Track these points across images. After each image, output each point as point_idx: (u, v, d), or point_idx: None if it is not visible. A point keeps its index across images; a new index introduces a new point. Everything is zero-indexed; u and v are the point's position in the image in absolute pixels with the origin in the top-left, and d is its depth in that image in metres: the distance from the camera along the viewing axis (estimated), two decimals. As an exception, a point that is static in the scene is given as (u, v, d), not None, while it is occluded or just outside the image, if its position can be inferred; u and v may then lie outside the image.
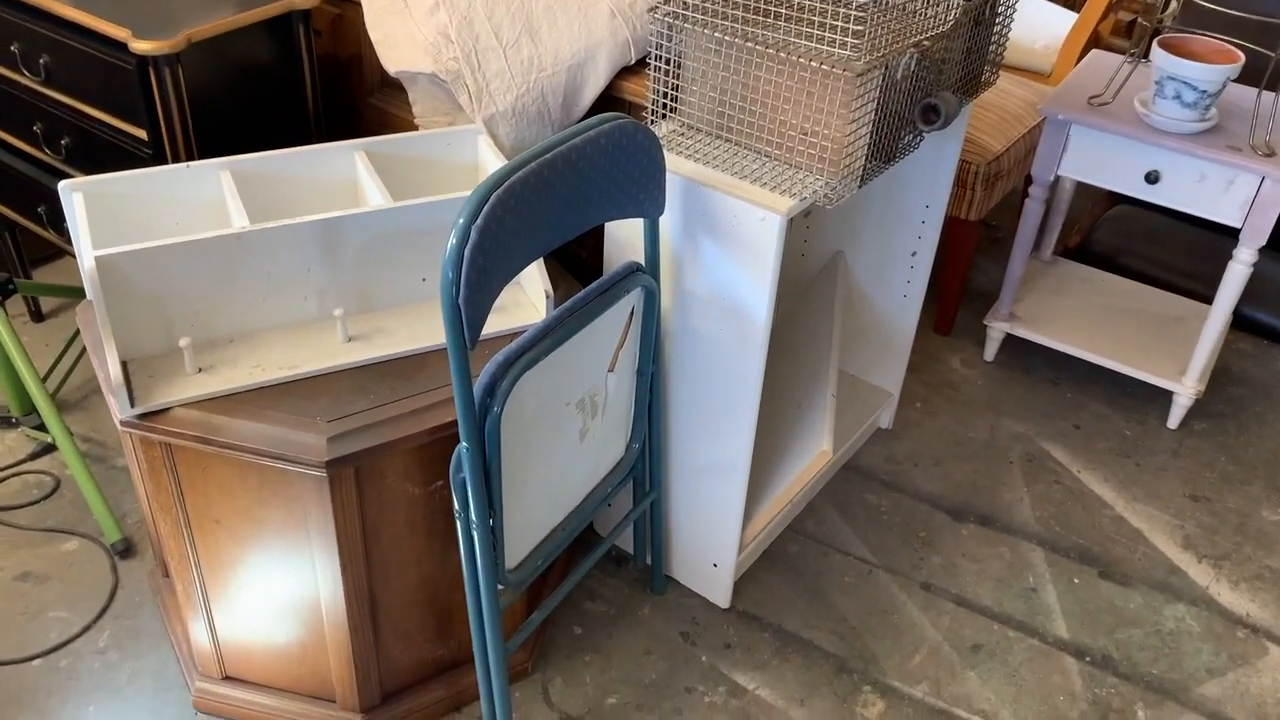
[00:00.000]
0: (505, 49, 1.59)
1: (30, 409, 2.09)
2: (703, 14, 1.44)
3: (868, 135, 1.43)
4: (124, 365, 1.36)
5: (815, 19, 1.34)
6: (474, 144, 1.64)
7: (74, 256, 2.04)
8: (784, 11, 1.37)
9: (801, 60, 1.37)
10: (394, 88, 2.03)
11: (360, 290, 1.48)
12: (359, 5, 1.92)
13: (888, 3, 1.31)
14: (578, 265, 1.88)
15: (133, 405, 1.31)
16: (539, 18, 1.60)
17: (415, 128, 1.91)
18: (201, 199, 1.51)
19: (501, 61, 1.59)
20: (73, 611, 1.77)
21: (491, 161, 1.60)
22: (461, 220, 1.16)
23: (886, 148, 1.50)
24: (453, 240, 1.16)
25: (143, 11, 1.69)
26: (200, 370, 1.37)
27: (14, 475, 2.02)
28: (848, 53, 1.32)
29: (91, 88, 1.77)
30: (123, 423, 1.31)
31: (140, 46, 1.60)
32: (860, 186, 1.46)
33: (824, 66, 1.35)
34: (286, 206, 1.56)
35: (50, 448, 2.07)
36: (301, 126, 1.92)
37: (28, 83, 1.86)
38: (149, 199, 1.49)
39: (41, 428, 2.07)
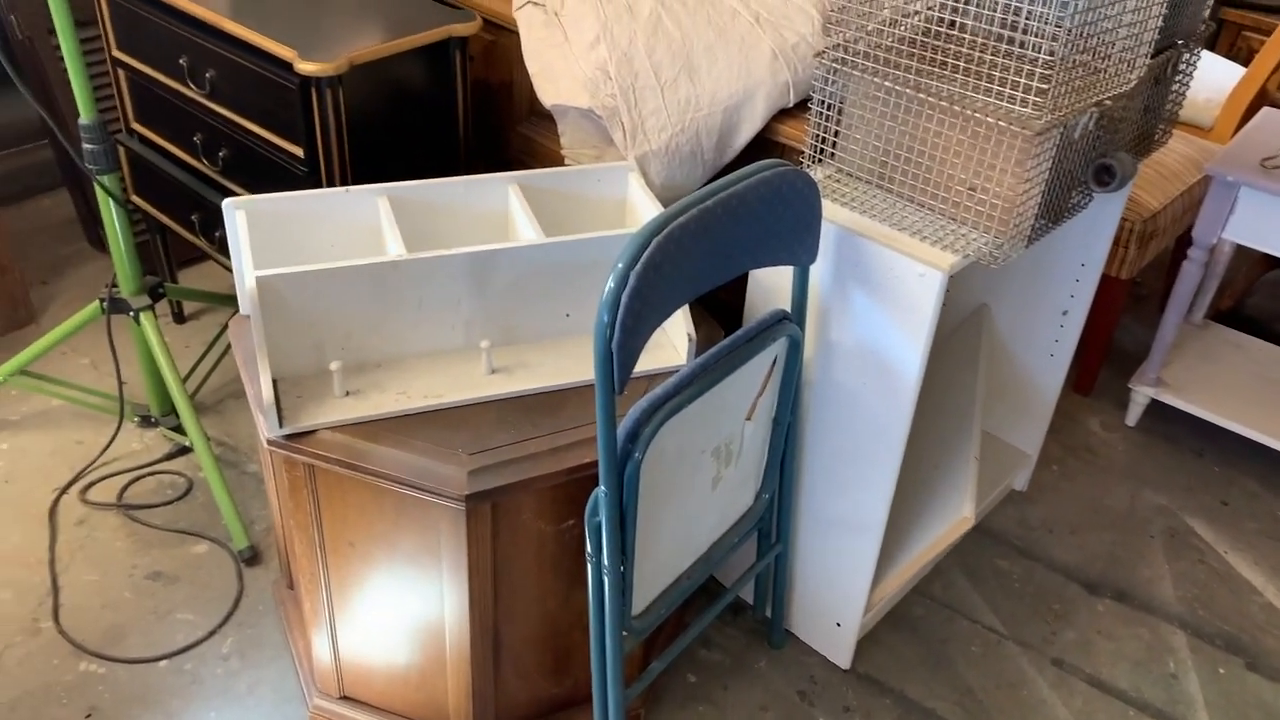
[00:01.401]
0: (663, 87, 1.57)
1: (170, 409, 2.15)
2: (873, 61, 1.40)
3: (1039, 194, 1.37)
4: (274, 384, 1.37)
5: (995, 74, 1.29)
6: (624, 181, 1.62)
7: (218, 262, 2.10)
8: (960, 64, 1.32)
9: (976, 115, 1.32)
10: (542, 116, 2.04)
11: (505, 322, 1.48)
12: (514, 34, 1.93)
13: (1073, 60, 1.25)
14: (716, 304, 1.85)
15: (281, 425, 1.32)
16: (699, 57, 1.58)
17: (561, 156, 1.91)
18: (357, 222, 1.53)
19: (658, 100, 1.58)
20: (199, 615, 1.80)
21: (641, 199, 1.59)
22: (621, 265, 1.14)
23: (1055, 207, 1.44)
24: (611, 284, 1.14)
25: (308, 33, 1.73)
26: (348, 393, 1.38)
27: (150, 474, 2.07)
28: (1027, 110, 1.27)
29: (254, 104, 1.81)
30: (269, 441, 1.33)
31: (305, 67, 1.63)
32: (1027, 247, 1.40)
33: (1000, 123, 1.30)
34: (439, 234, 1.56)
35: (185, 449, 2.12)
36: (451, 150, 1.94)
37: (193, 95, 1.91)
38: (307, 219, 1.51)
39: (179, 429, 2.13)
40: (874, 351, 1.49)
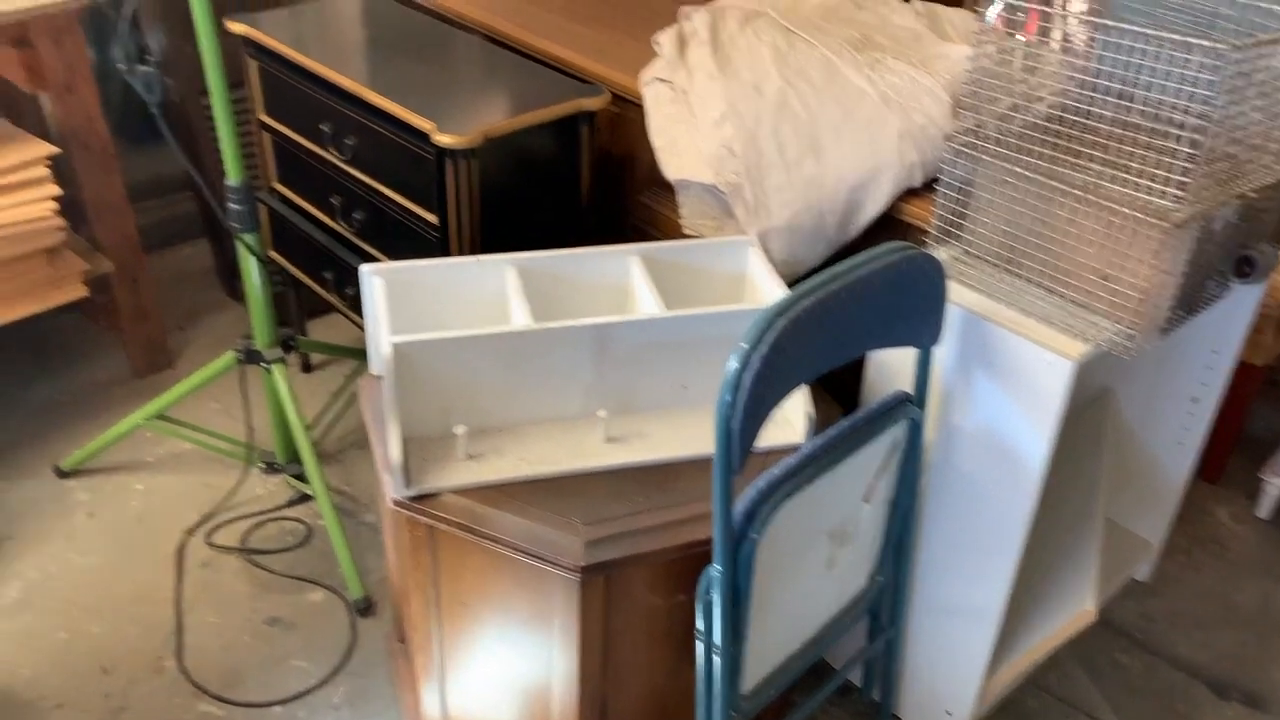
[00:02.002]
0: (788, 165, 1.59)
1: (293, 457, 2.23)
2: (1006, 147, 1.40)
3: (1176, 286, 1.33)
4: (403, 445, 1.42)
5: (1134, 164, 1.26)
6: (745, 255, 1.64)
7: (347, 317, 2.18)
8: (1097, 153, 1.31)
9: (1111, 204, 1.29)
10: (662, 186, 2.07)
11: (623, 392, 1.50)
12: (638, 107, 1.97)
13: (1218, 152, 1.22)
14: (831, 378, 1.84)
15: (407, 486, 1.36)
16: (825, 136, 1.59)
17: (679, 226, 1.93)
18: (486, 289, 1.57)
19: (783, 177, 1.59)
20: (312, 662, 1.85)
21: (762, 274, 1.60)
22: (745, 345, 1.15)
23: (1192, 298, 1.40)
24: (734, 364, 1.15)
25: (445, 105, 1.80)
26: (470, 457, 1.42)
27: (272, 520, 2.14)
28: (1167, 202, 1.24)
29: (391, 171, 1.89)
30: (395, 502, 1.37)
31: (442, 139, 1.69)
32: (1161, 338, 1.36)
33: (1137, 214, 1.27)
34: (563, 303, 1.60)
35: (306, 497, 2.19)
36: (574, 217, 1.99)
37: (333, 159, 2.00)
38: (439, 285, 1.56)
39: (301, 477, 2.20)
40: (997, 438, 1.46)
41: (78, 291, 2.26)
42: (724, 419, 1.16)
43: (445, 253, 1.84)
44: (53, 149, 2.12)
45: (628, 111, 2.01)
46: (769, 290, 1.58)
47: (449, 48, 2.09)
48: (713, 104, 1.65)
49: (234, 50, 2.05)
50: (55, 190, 2.12)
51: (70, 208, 2.23)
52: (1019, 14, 1.41)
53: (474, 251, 1.84)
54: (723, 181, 1.62)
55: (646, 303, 1.52)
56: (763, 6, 1.90)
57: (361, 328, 2.15)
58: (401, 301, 1.55)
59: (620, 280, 1.62)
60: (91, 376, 2.51)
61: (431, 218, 1.84)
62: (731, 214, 1.74)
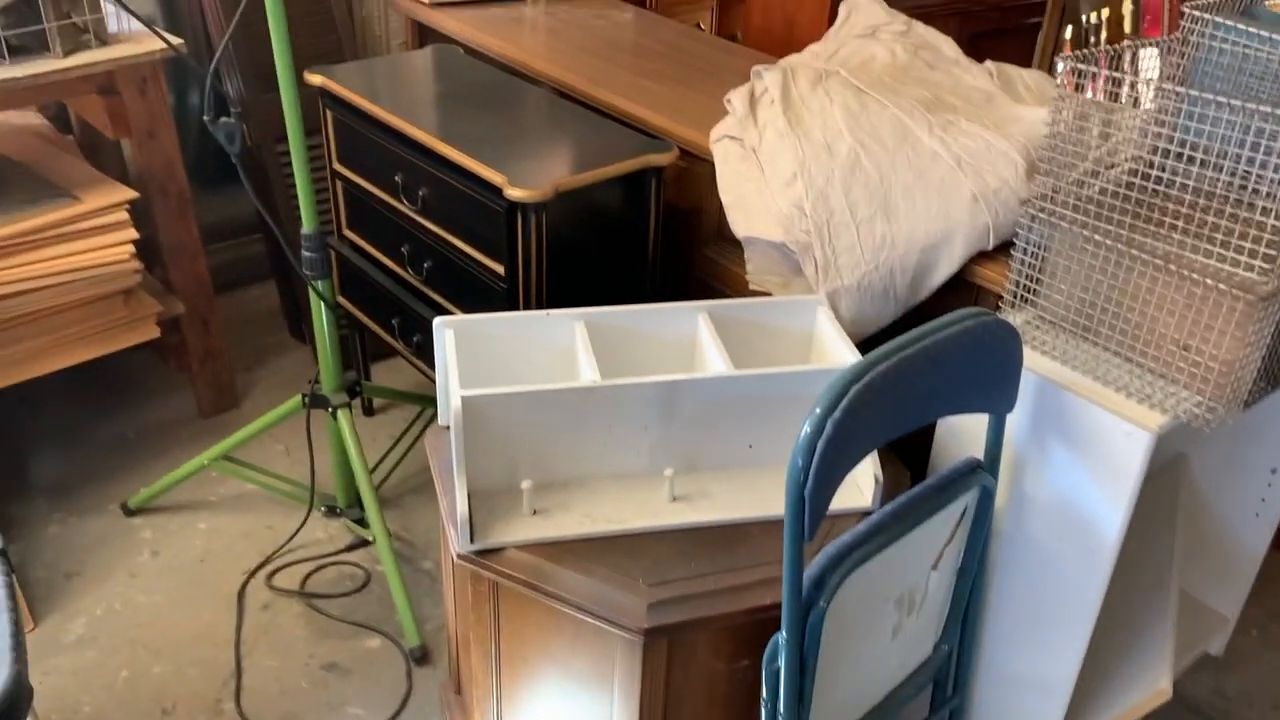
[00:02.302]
0: (858, 225, 1.58)
1: (354, 502, 2.24)
2: (1083, 213, 1.38)
3: (1259, 358, 1.30)
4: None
5: (1218, 236, 1.24)
6: (813, 314, 1.63)
7: (411, 364, 2.19)
8: (1179, 223, 1.29)
9: (1193, 275, 1.27)
10: (728, 240, 2.07)
11: (689, 450, 1.49)
12: (706, 162, 1.98)
13: (1306, 225, 1.20)
14: (899, 439, 1.82)
15: (472, 541, 1.36)
16: (896, 197, 1.58)
17: (745, 281, 1.93)
18: (555, 343, 1.58)
19: (853, 237, 1.59)
20: (368, 710, 1.85)
21: (830, 333, 1.59)
22: (819, 410, 1.14)
23: (1276, 371, 1.36)
24: (807, 429, 1.14)
25: (516, 159, 1.82)
26: (535, 512, 1.42)
27: (332, 564, 2.16)
28: (1252, 275, 1.22)
29: (461, 222, 1.91)
30: (459, 555, 1.37)
31: (514, 193, 1.71)
32: (1243, 412, 1.33)
33: (1220, 285, 1.25)
34: (630, 357, 1.60)
35: (366, 542, 2.20)
36: (640, 270, 1.99)
37: (404, 210, 2.04)
38: (508, 338, 1.57)
39: (361, 522, 2.22)
40: (1071, 507, 1.43)
41: (150, 333, 2.31)
42: (796, 485, 1.15)
43: (512, 303, 1.86)
44: (133, 194, 2.18)
45: (695, 166, 2.02)
46: (837, 350, 1.57)
47: (519, 100, 2.12)
48: (783, 162, 1.66)
49: (310, 100, 2.09)
50: (134, 234, 2.17)
51: (145, 249, 2.28)
52: (1087, 74, 1.40)
53: (540, 303, 1.86)
54: (792, 240, 1.62)
55: (714, 361, 1.52)
56: (834, 66, 1.91)
57: (425, 374, 2.17)
58: (471, 353, 1.56)
59: (688, 336, 1.62)
60: (160, 414, 2.56)
61: (499, 269, 1.86)
62: (799, 272, 1.74)
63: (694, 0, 3.19)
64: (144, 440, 2.48)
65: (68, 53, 2.05)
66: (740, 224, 1.71)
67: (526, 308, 1.85)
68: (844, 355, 1.53)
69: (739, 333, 1.64)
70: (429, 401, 2.40)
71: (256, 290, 3.09)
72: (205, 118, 1.72)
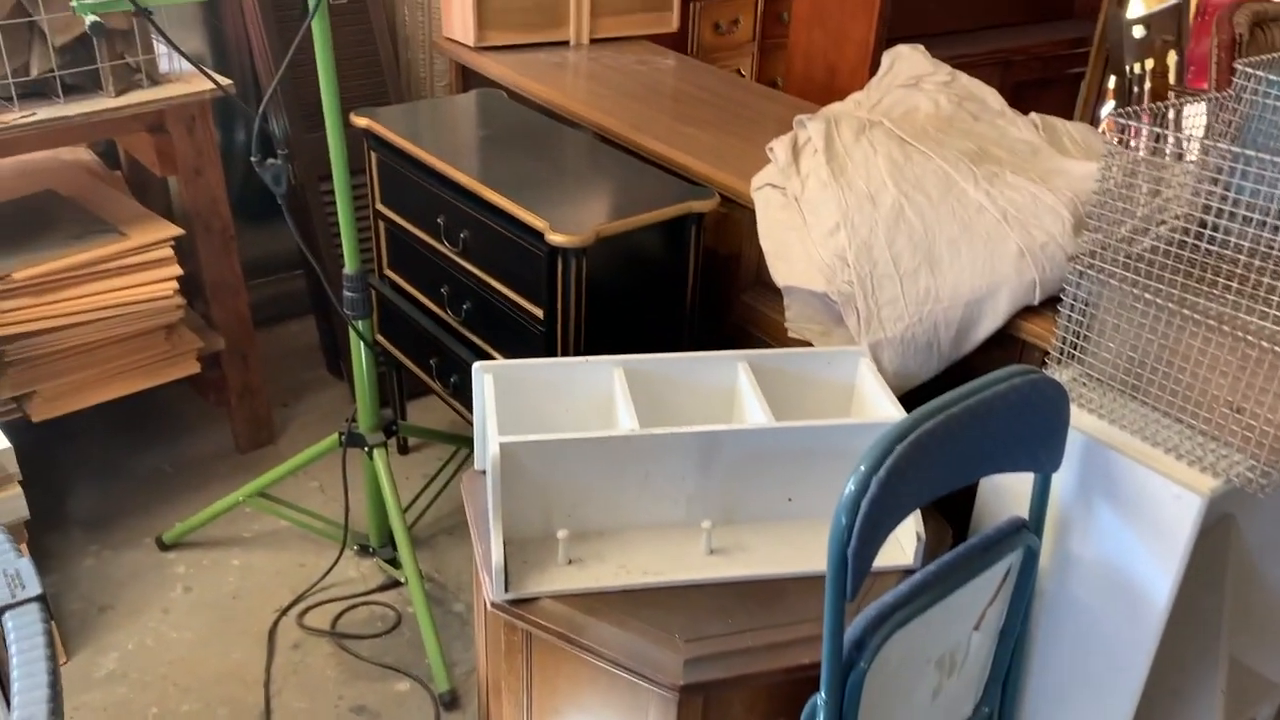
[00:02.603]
0: (902, 277, 1.57)
1: (387, 541, 2.24)
2: (1132, 270, 1.36)
3: (1316, 423, 1.27)
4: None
5: (1274, 297, 1.22)
6: (855, 366, 1.61)
7: (448, 404, 2.19)
8: (1233, 283, 1.26)
9: (1248, 337, 1.24)
10: (766, 286, 2.07)
11: (726, 501, 1.47)
12: (746, 209, 1.98)
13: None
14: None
15: (507, 590, 1.34)
16: (941, 250, 1.57)
17: (782, 327, 1.92)
18: (593, 389, 1.57)
19: (896, 289, 1.57)
20: (396, 755, 1.83)
21: (872, 386, 1.57)
22: (863, 468, 1.13)
23: (1332, 435, 1.33)
24: (851, 487, 1.12)
25: (557, 203, 1.83)
26: (570, 562, 1.40)
27: (364, 604, 2.15)
28: (1310, 337, 1.19)
29: (501, 265, 1.92)
30: (493, 604, 1.35)
31: (555, 238, 1.72)
32: (1300, 477, 1.30)
33: (1276, 348, 1.22)
34: (668, 406, 1.59)
35: (397, 583, 2.19)
36: (678, 318, 1.99)
37: (445, 251, 2.05)
38: (546, 384, 1.57)
39: (393, 562, 2.21)
40: (1117, 569, 1.40)
41: (191, 368, 2.32)
42: (839, 544, 1.13)
43: (550, 347, 1.86)
44: (178, 231, 2.20)
45: (734, 212, 2.01)
46: (880, 404, 1.55)
47: (561, 144, 2.13)
48: (826, 212, 1.65)
49: (354, 140, 2.12)
50: (178, 271, 2.20)
51: (187, 284, 2.31)
52: (1131, 128, 1.38)
53: (579, 347, 1.85)
54: (834, 290, 1.60)
55: (754, 411, 1.50)
56: (876, 116, 1.91)
57: (461, 415, 2.17)
58: (510, 398, 1.55)
59: (727, 385, 1.61)
60: (196, 449, 2.58)
61: (538, 312, 1.86)
62: (840, 321, 1.72)
63: (735, 46, 3.21)
64: (181, 474, 2.49)
65: (120, 92, 2.09)
66: (781, 272, 1.70)
67: (565, 352, 1.85)
68: (886, 409, 1.51)
69: (779, 383, 1.62)
70: (464, 442, 2.40)
71: (295, 325, 3.12)
72: (253, 159, 1.74)
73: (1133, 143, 1.35)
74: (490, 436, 1.40)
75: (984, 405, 1.23)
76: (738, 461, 1.44)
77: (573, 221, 1.75)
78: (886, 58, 2.17)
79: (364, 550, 2.26)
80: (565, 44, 2.73)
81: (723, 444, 1.42)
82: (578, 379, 1.57)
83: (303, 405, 2.77)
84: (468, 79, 2.75)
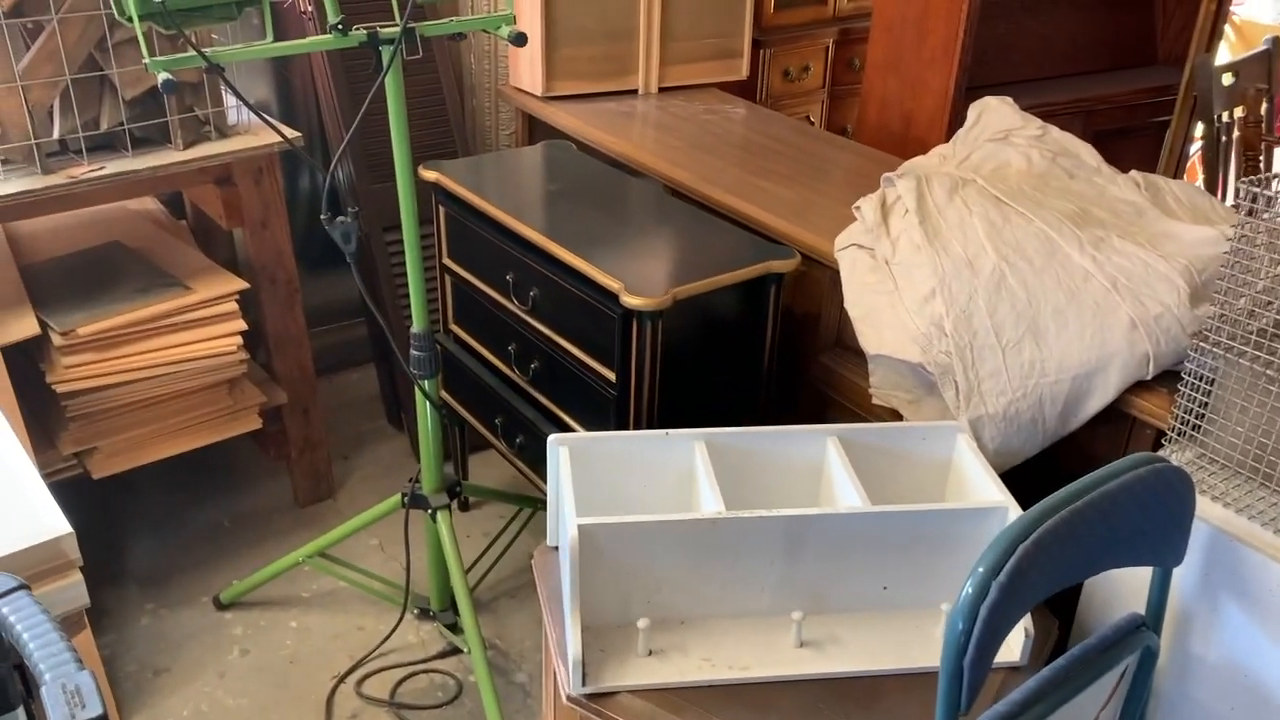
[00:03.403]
0: (1004, 349, 1.48)
1: (448, 604, 2.16)
2: (1254, 348, 1.25)
3: None
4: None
5: None
6: (952, 441, 1.52)
7: (512, 464, 2.12)
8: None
9: (1403, 427, 1.14)
10: (847, 348, 1.98)
11: (816, 589, 1.38)
12: (826, 267, 1.90)
13: None
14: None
15: (584, 683, 1.26)
16: (1046, 320, 1.48)
17: (862, 391, 1.83)
18: (672, 465, 1.49)
19: (998, 361, 1.48)
20: (457, 838, 1.74)
21: (971, 464, 1.47)
22: (982, 570, 1.03)
23: None
24: (969, 591, 1.03)
25: (632, 263, 1.76)
26: (651, 653, 1.32)
27: (424, 672, 2.07)
28: None
29: (572, 325, 1.85)
30: (569, 698, 1.27)
31: (631, 301, 1.65)
32: None
33: None
34: (752, 484, 1.50)
35: (458, 650, 2.12)
36: (754, 380, 1.91)
37: (514, 309, 1.98)
38: (623, 458, 1.49)
39: (454, 627, 2.13)
40: (1243, 671, 1.29)
41: (253, 424, 2.28)
42: (954, 652, 1.03)
43: (622, 411, 1.78)
44: (243, 285, 2.17)
45: (813, 270, 1.93)
46: (980, 484, 1.45)
47: (632, 199, 2.07)
48: (921, 277, 1.56)
49: (420, 190, 2.07)
50: (242, 325, 2.16)
51: (249, 335, 2.27)
52: (1262, 196, 1.28)
53: (652, 411, 1.78)
54: (930, 361, 1.51)
55: (846, 493, 1.41)
56: (967, 173, 1.82)
57: (527, 476, 2.10)
58: (585, 470, 1.48)
59: (815, 461, 1.52)
60: (255, 502, 2.53)
61: (609, 374, 1.78)
62: (931, 390, 1.63)
63: (805, 94, 3.14)
64: (239, 529, 2.44)
65: (188, 145, 2.06)
66: (870, 340, 1.61)
67: (638, 416, 1.78)
68: (990, 491, 1.41)
69: (869, 458, 1.53)
70: (528, 501, 2.33)
71: (356, 375, 3.08)
72: (323, 217, 1.70)
73: (1266, 212, 1.25)
74: (567, 516, 1.32)
75: (1107, 498, 1.14)
76: (830, 547, 1.35)
77: (647, 282, 1.68)
78: (973, 110, 2.08)
79: (424, 614, 2.19)
80: (634, 93, 2.69)
81: (814, 529, 1.33)
82: (657, 453, 1.49)
83: (363, 458, 2.72)
84: (534, 128, 2.71)
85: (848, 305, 1.69)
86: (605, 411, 1.82)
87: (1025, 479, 1.51)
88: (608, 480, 1.49)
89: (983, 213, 1.63)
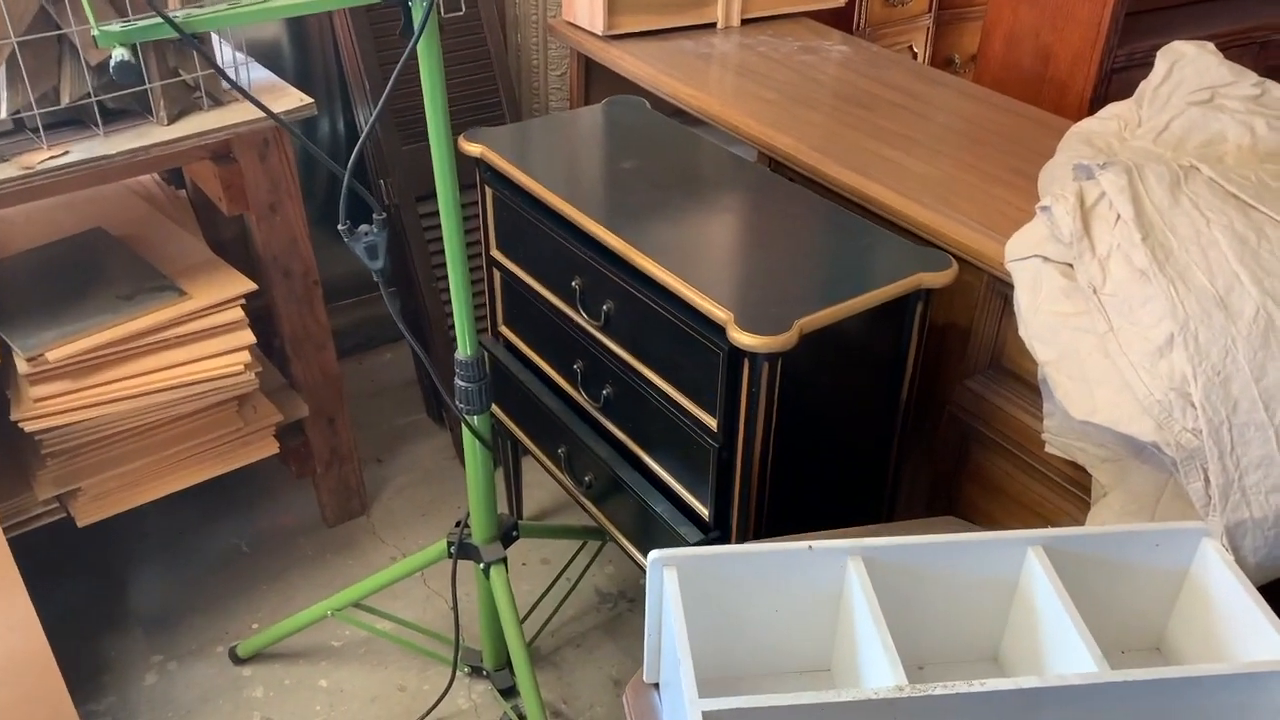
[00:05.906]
0: (1277, 428, 1.07)
1: (504, 663, 1.82)
2: None
3: None
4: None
5: None
6: (1193, 549, 1.12)
7: (578, 500, 1.75)
8: None
9: None
10: (1004, 372, 1.58)
11: (1021, 766, 1.01)
12: (983, 271, 1.49)
13: None
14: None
15: None
16: (1339, 387, 1.06)
17: (1025, 426, 1.45)
18: (814, 581, 1.11)
19: (1269, 446, 1.07)
20: None
21: (1222, 581, 1.08)
22: None
23: None
24: None
25: (744, 285, 1.36)
26: None
27: (478, 748, 1.75)
28: None
29: (658, 353, 1.46)
30: None
31: (742, 340, 1.25)
32: None
33: None
34: (919, 610, 1.12)
35: (522, 717, 1.78)
36: (888, 414, 1.51)
37: (579, 320, 1.59)
38: (748, 574, 1.11)
39: (511, 691, 1.79)
40: None
41: (268, 448, 1.92)
42: None
43: (725, 465, 1.40)
44: (251, 286, 1.78)
45: (966, 274, 1.51)
46: (1231, 605, 1.06)
47: (725, 180, 1.65)
48: (1149, 318, 1.15)
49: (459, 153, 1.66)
50: (250, 339, 1.77)
51: (262, 332, 1.89)
52: None
53: (764, 466, 1.39)
54: (1169, 440, 1.11)
55: (1069, 639, 1.02)
56: (1180, 154, 1.39)
57: (597, 520, 1.73)
58: (698, 587, 1.10)
59: (1007, 577, 1.13)
60: (277, 521, 2.19)
61: (708, 420, 1.40)
62: (1140, 452, 1.23)
63: (908, 20, 2.66)
64: (259, 554, 2.11)
65: (174, 118, 1.66)
66: (1075, 400, 1.20)
67: (745, 471, 1.39)
68: (1247, 615, 1.02)
69: (1073, 567, 1.13)
70: (593, 534, 1.97)
71: (389, 354, 2.71)
72: (340, 228, 1.30)
73: None
74: (683, 682, 0.95)
75: None
76: (1047, 721, 0.97)
77: (764, 312, 1.28)
78: (1162, 59, 1.62)
79: (476, 672, 1.85)
80: (711, 26, 2.24)
81: (1033, 705, 0.95)
82: (795, 569, 1.11)
83: (399, 462, 2.36)
84: (591, 73, 2.27)
85: (1032, 340, 1.28)
86: (703, 464, 1.44)
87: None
88: (728, 604, 1.11)
89: (1224, 221, 1.20)
